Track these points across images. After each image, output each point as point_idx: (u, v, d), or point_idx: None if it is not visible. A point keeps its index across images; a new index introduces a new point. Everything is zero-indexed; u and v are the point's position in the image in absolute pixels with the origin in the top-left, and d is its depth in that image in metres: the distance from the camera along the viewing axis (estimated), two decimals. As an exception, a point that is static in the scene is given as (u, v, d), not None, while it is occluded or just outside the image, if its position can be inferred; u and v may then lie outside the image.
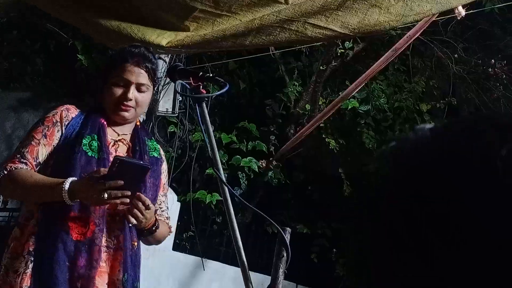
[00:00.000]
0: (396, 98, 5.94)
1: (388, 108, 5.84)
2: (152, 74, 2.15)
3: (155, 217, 2.11)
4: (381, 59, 3.98)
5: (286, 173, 5.78)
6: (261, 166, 5.47)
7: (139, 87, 2.11)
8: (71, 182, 1.89)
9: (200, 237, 5.25)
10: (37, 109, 7.79)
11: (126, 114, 2.12)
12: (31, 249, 1.96)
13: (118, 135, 2.16)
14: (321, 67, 5.71)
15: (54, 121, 2.10)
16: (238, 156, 5.36)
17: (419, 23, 3.33)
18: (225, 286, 5.20)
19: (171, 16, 2.54)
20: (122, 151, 2.14)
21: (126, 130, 2.20)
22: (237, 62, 5.63)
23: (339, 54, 5.78)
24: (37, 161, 2.04)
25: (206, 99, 1.84)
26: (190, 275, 5.12)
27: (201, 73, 1.83)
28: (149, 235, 2.13)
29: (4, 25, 6.32)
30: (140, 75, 2.12)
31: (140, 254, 2.13)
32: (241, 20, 2.64)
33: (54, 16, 3.07)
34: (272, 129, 5.85)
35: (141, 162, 2.05)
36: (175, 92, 4.13)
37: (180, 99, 4.53)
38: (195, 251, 5.31)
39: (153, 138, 2.37)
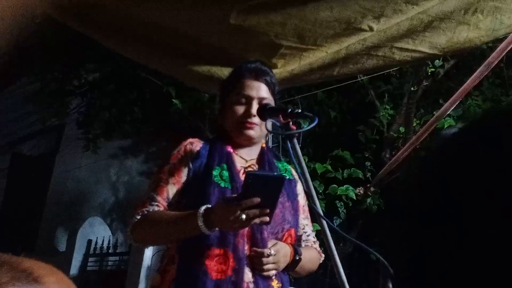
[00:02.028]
0: (494, 113, 5.70)
1: (487, 124, 5.60)
2: (273, 87, 2.07)
3: (293, 247, 1.96)
4: (474, 75, 3.84)
5: (385, 198, 5.66)
6: (359, 193, 5.39)
7: (261, 102, 2.01)
8: (206, 209, 1.77)
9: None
10: (138, 155, 8.15)
11: (251, 132, 2.00)
12: None
13: (246, 161, 2.04)
14: (412, 88, 5.60)
15: (180, 157, 2.01)
16: (334, 185, 5.32)
17: (511, 34, 3.21)
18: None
19: (258, 55, 2.60)
20: None
21: (253, 155, 2.09)
22: (326, 92, 5.63)
23: (429, 73, 5.64)
24: (169, 201, 1.95)
25: (297, 134, 1.82)
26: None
27: (290, 109, 1.82)
28: (293, 270, 1.97)
29: (100, 79, 6.70)
30: (261, 89, 2.03)
31: None
32: (327, 52, 2.66)
33: (151, 67, 3.21)
34: (367, 155, 5.77)
35: (275, 173, 1.95)
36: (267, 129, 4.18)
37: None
38: (299, 283, 5.29)
39: (282, 159, 2.23)
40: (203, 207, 1.78)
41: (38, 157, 8.88)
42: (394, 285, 1.53)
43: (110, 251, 7.09)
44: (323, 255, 2.15)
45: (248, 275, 1.86)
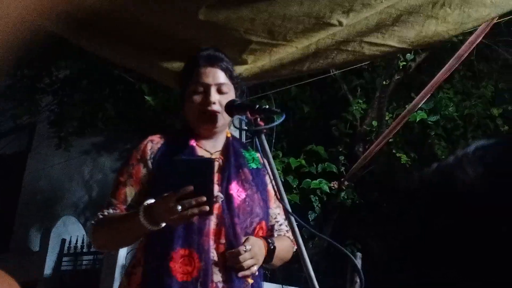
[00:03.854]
0: (465, 106, 5.79)
1: (458, 116, 5.69)
2: (230, 72, 2.02)
3: (265, 239, 1.92)
4: (445, 68, 3.89)
5: (359, 192, 5.72)
6: (333, 187, 5.42)
7: (219, 88, 1.96)
8: (146, 205, 1.73)
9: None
10: (112, 152, 8.08)
11: (213, 120, 1.94)
12: None
13: (211, 154, 1.97)
14: (384, 82, 5.65)
15: (138, 157, 1.96)
16: (308, 180, 5.34)
17: (480, 27, 3.24)
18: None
19: (228, 51, 2.58)
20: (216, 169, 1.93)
21: (218, 146, 2.02)
22: (299, 87, 5.65)
23: (401, 67, 5.70)
24: (128, 204, 1.91)
25: (265, 130, 1.79)
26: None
27: (257, 106, 1.80)
28: (269, 261, 1.93)
29: (71, 76, 6.62)
30: (217, 75, 1.97)
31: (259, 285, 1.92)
32: (297, 47, 2.65)
33: (123, 65, 3.17)
34: (340, 149, 5.81)
35: (203, 157, 1.88)
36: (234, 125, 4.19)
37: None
38: (275, 278, 5.31)
39: (250, 148, 2.13)
40: (144, 203, 1.74)
41: (10, 155, 8.74)
42: (362, 280, 1.53)
43: (84, 250, 7.01)
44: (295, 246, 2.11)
45: (217, 275, 1.82)
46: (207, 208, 1.67)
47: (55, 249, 7.02)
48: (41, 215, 7.93)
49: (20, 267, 6.28)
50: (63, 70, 6.72)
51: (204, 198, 1.67)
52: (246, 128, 1.86)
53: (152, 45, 2.69)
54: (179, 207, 1.65)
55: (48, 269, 6.87)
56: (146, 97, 5.26)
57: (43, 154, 8.21)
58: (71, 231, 7.19)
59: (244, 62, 2.65)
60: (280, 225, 2.06)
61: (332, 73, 5.34)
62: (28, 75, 6.61)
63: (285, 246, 1.97)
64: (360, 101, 5.90)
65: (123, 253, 5.48)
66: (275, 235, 2.04)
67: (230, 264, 1.82)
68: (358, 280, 1.55)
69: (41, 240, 7.26)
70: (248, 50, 2.62)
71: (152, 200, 1.74)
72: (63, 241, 7.10)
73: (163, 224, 1.74)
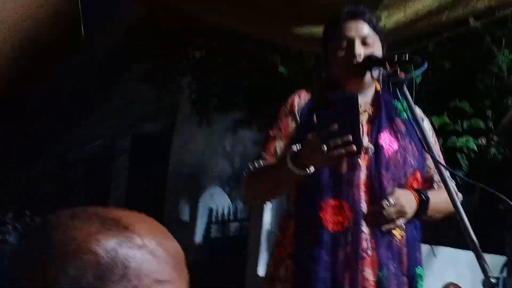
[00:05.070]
0: None
1: None
2: (374, 24, 1.95)
3: (416, 190, 1.85)
4: None
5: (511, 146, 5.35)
6: (482, 143, 5.12)
7: (364, 41, 1.91)
8: (294, 150, 1.72)
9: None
10: (251, 125, 8.27)
11: (361, 73, 1.89)
12: (292, 252, 1.85)
13: (360, 106, 1.84)
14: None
15: (286, 111, 1.97)
16: (453, 137, 5.08)
17: None
18: (460, 271, 4.96)
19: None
20: (365, 122, 1.89)
21: (367, 99, 1.97)
22: (437, 43, 5.36)
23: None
24: (277, 156, 1.91)
25: (406, 81, 1.71)
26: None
27: (396, 57, 1.74)
28: (423, 214, 1.88)
29: (206, 56, 6.80)
30: (361, 27, 1.92)
31: (413, 243, 1.89)
32: (434, -3, 2.53)
33: (253, 33, 3.21)
34: (487, 104, 5.46)
35: (346, 94, 1.81)
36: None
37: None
38: (423, 238, 5.15)
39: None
40: (292, 148, 1.72)
41: (156, 135, 9.26)
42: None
43: (231, 218, 7.32)
44: (460, 194, 1.95)
45: (366, 227, 1.80)
46: (354, 148, 1.61)
47: (204, 218, 7.38)
48: (189, 188, 8.36)
49: (174, 235, 6.68)
50: (199, 50, 6.93)
51: (350, 137, 1.61)
52: (386, 80, 1.79)
53: (281, 10, 2.70)
54: (325, 147, 1.61)
55: (199, 237, 7.26)
56: (278, 67, 5.28)
57: (187, 131, 8.60)
58: (217, 200, 7.54)
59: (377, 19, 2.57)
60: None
61: (471, 25, 4.99)
62: (166, 57, 6.91)
63: (444, 197, 1.81)
64: (506, 51, 5.48)
65: (268, 219, 5.60)
66: (435, 187, 1.97)
67: (373, 217, 1.79)
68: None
69: (190, 210, 7.68)
70: (381, 5, 2.53)
71: (299, 146, 1.72)
72: (211, 210, 7.45)
73: (312, 169, 1.71)
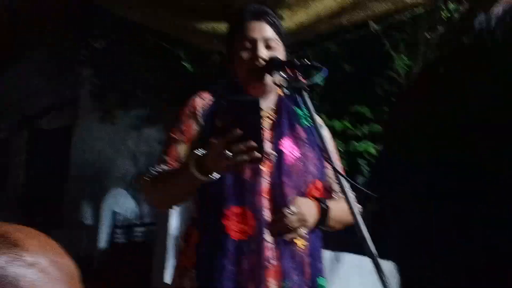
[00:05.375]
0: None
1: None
2: (278, 27, 1.93)
3: (316, 199, 1.83)
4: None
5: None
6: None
7: (267, 43, 1.88)
8: (197, 155, 1.65)
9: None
10: (156, 123, 8.10)
11: (262, 77, 1.85)
12: (196, 262, 1.79)
13: (262, 111, 1.79)
14: (427, 35, 5.43)
15: (189, 113, 1.91)
16: (354, 142, 5.20)
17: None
18: (364, 279, 5.03)
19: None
20: (267, 127, 1.87)
21: (269, 103, 1.93)
22: (339, 45, 5.46)
23: (446, 19, 5.44)
24: (180, 160, 1.85)
25: (307, 87, 1.69)
26: (327, 269, 5.03)
27: (297, 61, 1.72)
28: (324, 224, 1.86)
29: (107, 47, 6.57)
30: (264, 29, 1.89)
31: (315, 253, 1.88)
32: (335, 0, 2.55)
33: (153, 28, 3.13)
34: (386, 109, 5.63)
35: (248, 98, 1.78)
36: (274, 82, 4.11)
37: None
38: (327, 245, 5.22)
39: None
40: (195, 153, 1.67)
41: (55, 130, 8.87)
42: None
43: (136, 221, 7.14)
44: (359, 206, 1.90)
45: (269, 236, 1.76)
46: (258, 155, 1.58)
47: (108, 222, 7.15)
48: (90, 188, 8.07)
49: (75, 240, 6.43)
50: (100, 39, 6.68)
51: (253, 143, 1.57)
52: (285, 86, 1.77)
53: (188, 7, 2.64)
54: (229, 153, 1.57)
55: (102, 242, 7.02)
56: (183, 63, 5.17)
57: (88, 127, 8.29)
58: (122, 203, 7.31)
59: (280, 18, 2.56)
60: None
61: (371, 28, 5.12)
62: (64, 47, 6.61)
63: (344, 207, 1.77)
64: (404, 57, 5.68)
65: (175, 224, 5.50)
66: (336, 197, 1.95)
67: (275, 226, 1.77)
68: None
69: (93, 213, 7.41)
70: (283, 4, 2.52)
71: (203, 151, 1.66)
72: (115, 213, 7.23)
73: (216, 175, 1.66)
